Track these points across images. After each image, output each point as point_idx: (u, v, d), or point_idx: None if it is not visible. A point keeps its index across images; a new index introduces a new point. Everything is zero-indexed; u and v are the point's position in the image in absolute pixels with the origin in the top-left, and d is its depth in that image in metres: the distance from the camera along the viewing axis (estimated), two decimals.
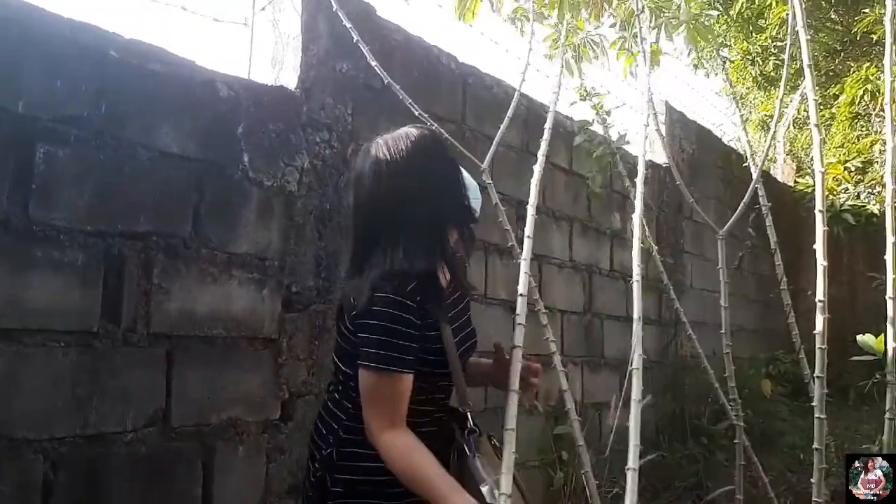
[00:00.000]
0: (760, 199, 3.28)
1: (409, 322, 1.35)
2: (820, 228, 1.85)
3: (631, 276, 4.19)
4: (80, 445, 1.84)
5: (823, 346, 1.74)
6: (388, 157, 1.41)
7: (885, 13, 2.19)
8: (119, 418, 1.92)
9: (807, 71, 2.05)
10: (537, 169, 2.09)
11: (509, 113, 2.44)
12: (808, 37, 2.09)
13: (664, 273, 3.42)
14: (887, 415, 1.86)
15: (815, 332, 1.89)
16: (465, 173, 1.60)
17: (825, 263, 1.80)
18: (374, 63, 1.99)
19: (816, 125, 2.01)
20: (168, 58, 2.12)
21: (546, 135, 2.15)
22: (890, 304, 1.87)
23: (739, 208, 2.71)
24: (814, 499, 1.77)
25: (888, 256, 1.97)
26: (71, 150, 1.86)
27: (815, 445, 1.80)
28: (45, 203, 1.81)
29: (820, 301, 1.79)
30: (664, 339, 4.83)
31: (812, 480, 1.83)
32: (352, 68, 2.66)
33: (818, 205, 1.83)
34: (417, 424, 1.40)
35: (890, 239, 2.02)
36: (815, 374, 1.75)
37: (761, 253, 5.70)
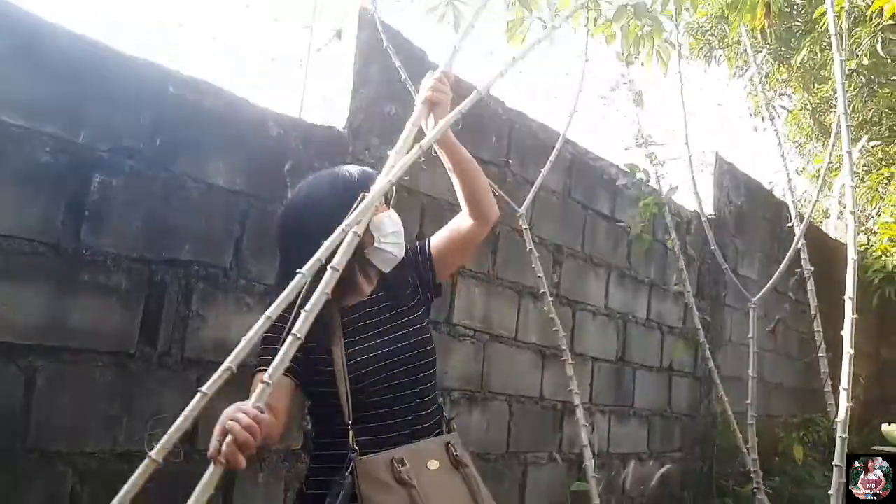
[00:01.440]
0: (803, 261, 3.25)
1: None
2: (849, 314, 1.83)
3: (668, 328, 4.16)
4: (109, 461, 1.92)
5: (844, 436, 1.72)
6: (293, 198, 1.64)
7: None
8: (148, 439, 1.99)
9: (842, 123, 2.04)
10: None
11: (552, 157, 2.48)
12: (852, 91, 2.08)
13: (701, 329, 3.40)
14: None
15: (836, 419, 1.87)
16: (391, 219, 1.64)
17: (852, 352, 1.78)
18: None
19: (851, 186, 2.01)
20: (222, 95, 2.23)
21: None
22: None
23: (777, 274, 2.69)
24: None
25: None
26: (124, 180, 1.97)
27: None
28: (96, 229, 1.91)
29: (844, 389, 1.77)
30: (697, 392, 4.76)
31: None
32: (400, 111, 2.73)
33: (848, 291, 1.81)
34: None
35: None
36: (834, 464, 1.73)
37: (807, 309, 5.59)
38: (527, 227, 2.23)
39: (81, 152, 1.89)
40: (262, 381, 1.21)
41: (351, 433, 1.53)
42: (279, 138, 2.35)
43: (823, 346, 3.22)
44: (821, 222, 9.27)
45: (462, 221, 1.70)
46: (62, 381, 1.84)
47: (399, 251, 1.67)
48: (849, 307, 1.86)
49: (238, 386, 2.13)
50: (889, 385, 7.07)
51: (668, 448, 4.37)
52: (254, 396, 1.25)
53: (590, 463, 2.12)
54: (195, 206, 2.13)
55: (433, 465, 1.54)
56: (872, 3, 4.35)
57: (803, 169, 10.10)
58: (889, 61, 8.20)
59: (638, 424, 4.19)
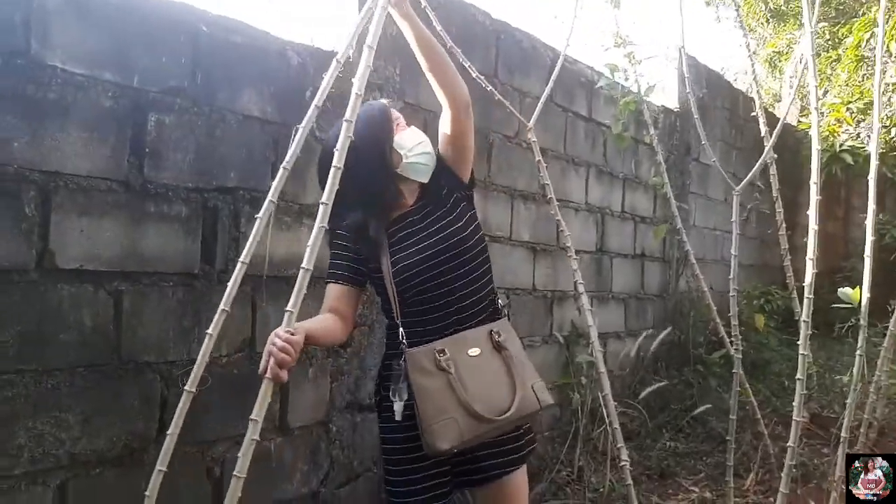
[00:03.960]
0: (766, 149, 3.58)
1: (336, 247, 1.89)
2: (814, 196, 2.15)
3: (640, 218, 4.54)
4: (188, 367, 2.20)
5: (810, 297, 2.08)
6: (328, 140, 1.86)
7: None
8: (217, 345, 2.27)
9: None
10: None
11: (553, 75, 2.69)
12: None
13: (678, 216, 3.75)
14: (858, 352, 2.22)
15: (804, 283, 2.21)
16: (412, 134, 1.91)
17: (816, 227, 2.11)
18: (439, 28, 2.24)
19: (815, 86, 2.30)
20: (247, 30, 2.38)
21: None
22: (866, 262, 2.21)
23: (756, 167, 3.00)
24: (794, 417, 2.14)
25: (868, 216, 2.29)
26: (175, 117, 2.16)
27: (798, 376, 2.15)
28: (156, 164, 2.11)
29: (810, 259, 2.11)
30: (667, 274, 5.20)
31: (794, 404, 2.18)
32: (400, 31, 2.89)
33: (813, 177, 2.12)
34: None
35: (872, 186, 2.33)
36: (801, 319, 2.09)
37: (762, 191, 6.02)
38: (535, 139, 2.46)
39: (137, 95, 2.06)
40: (287, 310, 1.61)
41: (401, 329, 1.84)
42: (299, 67, 2.53)
43: (784, 225, 3.61)
44: (773, 105, 9.65)
45: (444, 117, 1.89)
46: (143, 301, 2.09)
47: (429, 160, 1.91)
48: (814, 190, 2.19)
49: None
50: (832, 256, 7.66)
51: (643, 325, 4.83)
52: (284, 322, 1.61)
53: (595, 340, 2.46)
54: (235, 137, 2.32)
55: (474, 351, 1.81)
56: None
57: (755, 53, 10.37)
58: None
59: (616, 306, 4.62)
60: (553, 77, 2.59)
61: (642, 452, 3.75)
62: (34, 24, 1.84)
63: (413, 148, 1.90)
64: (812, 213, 2.16)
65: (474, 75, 2.46)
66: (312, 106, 1.76)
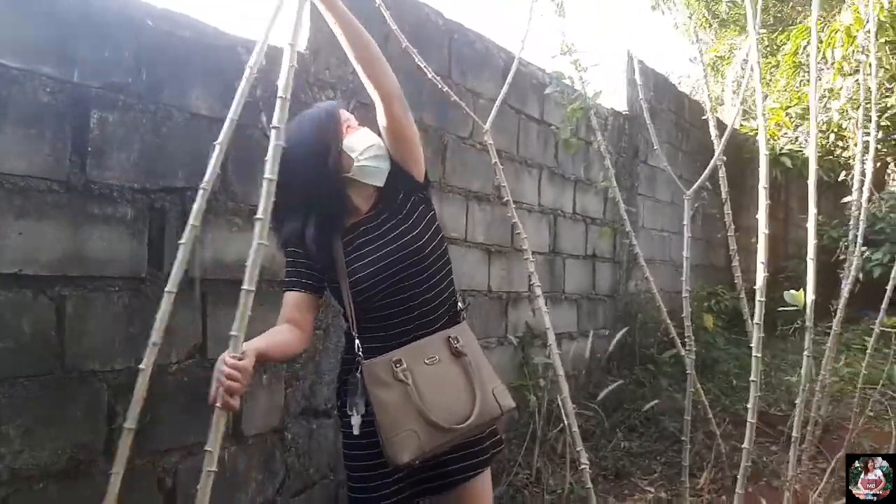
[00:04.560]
0: (715, 153, 3.63)
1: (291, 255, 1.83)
2: (763, 201, 2.18)
3: (591, 219, 4.57)
4: (135, 375, 2.10)
5: (762, 300, 2.10)
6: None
7: None
8: (165, 352, 2.18)
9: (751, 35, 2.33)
10: None
11: (508, 79, 2.68)
12: None
13: (627, 219, 3.79)
14: (805, 353, 2.26)
15: (755, 286, 2.23)
16: (363, 136, 1.84)
17: (766, 231, 2.14)
18: (394, 27, 2.20)
19: (763, 93, 2.33)
20: (195, 25, 2.30)
21: None
22: (810, 265, 2.25)
23: (707, 170, 3.03)
24: (748, 419, 2.16)
25: (810, 221, 2.33)
26: (119, 115, 2.07)
27: (752, 377, 2.17)
28: (100, 163, 2.02)
29: (761, 262, 2.14)
30: (618, 274, 5.26)
31: (748, 406, 2.19)
32: None
33: (762, 181, 2.15)
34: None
35: (812, 189, 2.38)
36: (754, 322, 2.11)
37: (710, 194, 6.15)
38: (491, 141, 2.44)
39: (78, 90, 1.97)
40: (232, 334, 1.51)
41: (357, 341, 1.79)
42: None
43: (732, 227, 3.67)
44: (716, 108, 9.91)
45: (379, 112, 1.77)
46: (87, 306, 1.99)
47: (381, 163, 1.82)
48: (762, 195, 2.21)
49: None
50: (773, 257, 7.87)
51: (595, 326, 4.87)
52: (230, 347, 1.52)
53: (553, 342, 2.43)
54: (183, 135, 2.24)
55: (431, 359, 1.76)
56: None
57: (699, 57, 10.62)
58: None
59: (568, 307, 4.65)
60: (508, 80, 2.57)
61: (598, 453, 3.77)
62: None
63: (364, 151, 1.81)
64: (761, 216, 2.18)
65: (430, 75, 2.43)
66: (237, 95, 1.71)
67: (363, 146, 1.82)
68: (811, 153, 2.45)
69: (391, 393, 1.69)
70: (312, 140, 1.79)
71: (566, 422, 2.44)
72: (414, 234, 1.80)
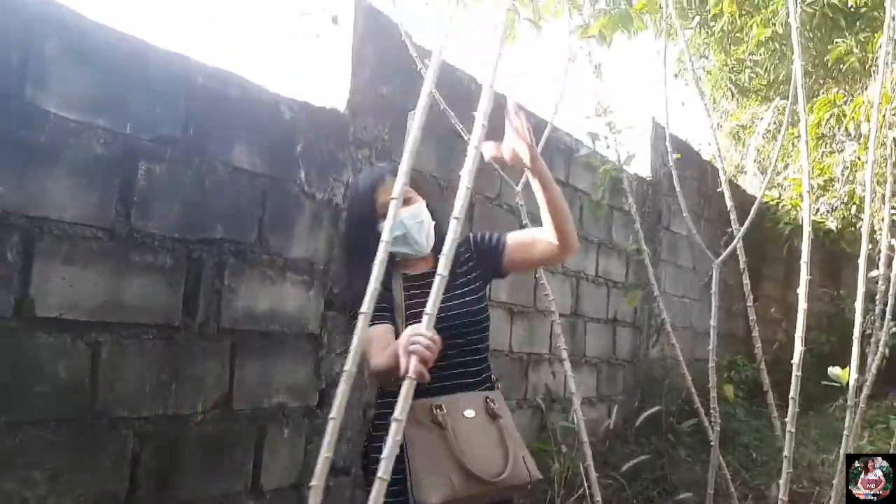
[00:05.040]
0: (732, 222, 3.64)
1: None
2: (804, 276, 2.17)
3: (613, 283, 4.55)
4: (162, 424, 2.12)
5: (799, 374, 2.09)
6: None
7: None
8: (192, 401, 2.20)
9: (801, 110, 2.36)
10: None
11: (541, 144, 2.74)
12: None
13: (655, 283, 3.80)
14: (846, 432, 2.23)
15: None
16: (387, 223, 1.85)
17: (805, 306, 2.14)
18: (435, 93, 2.25)
19: (809, 184, 2.35)
20: (242, 83, 2.38)
21: None
22: (855, 344, 2.24)
23: (735, 241, 3.04)
24: (780, 496, 2.12)
25: (858, 298, 2.33)
26: (165, 167, 2.13)
27: (784, 453, 2.14)
28: (143, 213, 2.07)
29: (800, 337, 2.13)
30: (637, 340, 5.23)
31: (779, 482, 2.16)
32: (391, 91, 2.94)
33: (804, 257, 2.15)
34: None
35: (861, 271, 2.38)
36: (790, 396, 2.10)
37: (727, 261, 6.15)
38: (523, 203, 2.48)
39: (129, 142, 2.03)
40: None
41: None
42: (291, 121, 2.53)
43: (751, 296, 3.66)
44: (736, 176, 9.95)
45: (545, 240, 1.86)
46: (121, 353, 2.02)
47: (412, 248, 1.87)
48: (804, 270, 2.21)
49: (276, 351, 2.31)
50: (793, 327, 7.80)
51: (614, 392, 4.82)
52: (424, 324, 1.40)
53: (578, 407, 2.45)
54: (224, 189, 2.30)
55: (469, 413, 1.78)
56: None
57: (719, 126, 10.73)
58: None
59: (588, 371, 4.62)
60: (540, 146, 2.62)
61: None
62: (31, 68, 1.81)
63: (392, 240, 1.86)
64: (801, 292, 2.18)
65: (467, 138, 2.48)
66: None
67: (387, 237, 1.83)
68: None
69: (428, 434, 1.70)
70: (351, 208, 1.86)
71: (588, 491, 2.42)
72: (468, 299, 1.88)
